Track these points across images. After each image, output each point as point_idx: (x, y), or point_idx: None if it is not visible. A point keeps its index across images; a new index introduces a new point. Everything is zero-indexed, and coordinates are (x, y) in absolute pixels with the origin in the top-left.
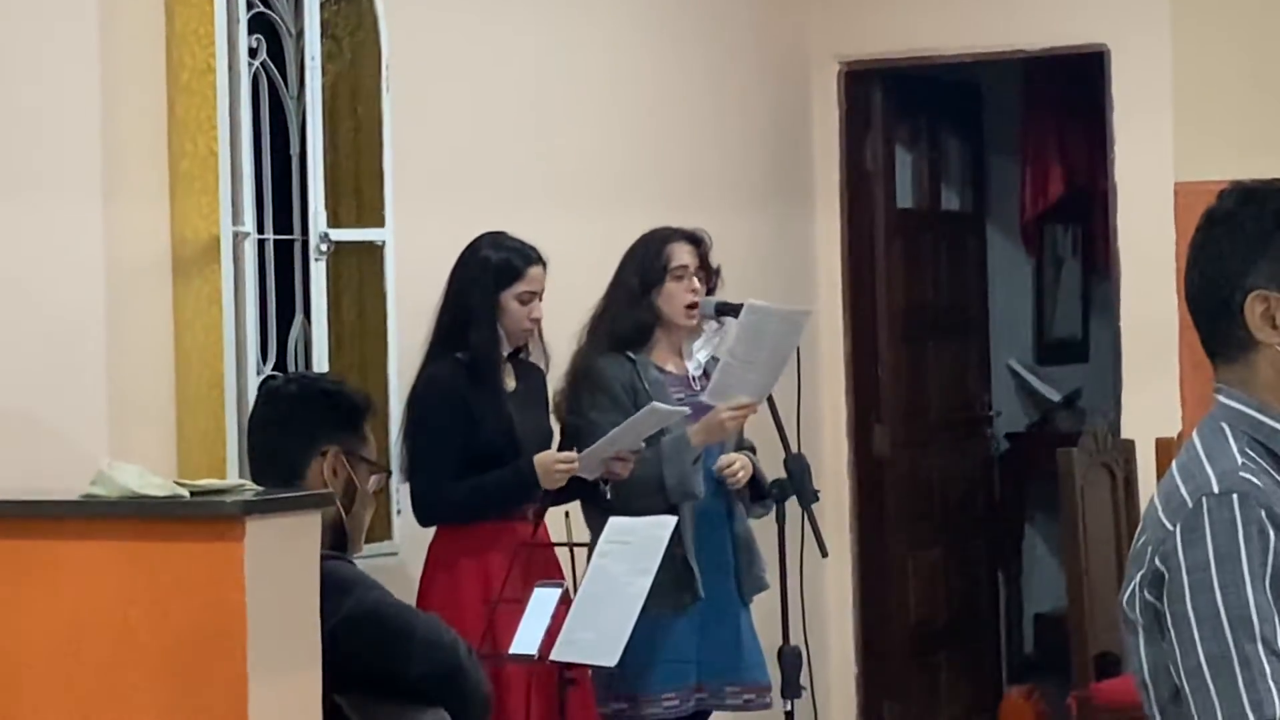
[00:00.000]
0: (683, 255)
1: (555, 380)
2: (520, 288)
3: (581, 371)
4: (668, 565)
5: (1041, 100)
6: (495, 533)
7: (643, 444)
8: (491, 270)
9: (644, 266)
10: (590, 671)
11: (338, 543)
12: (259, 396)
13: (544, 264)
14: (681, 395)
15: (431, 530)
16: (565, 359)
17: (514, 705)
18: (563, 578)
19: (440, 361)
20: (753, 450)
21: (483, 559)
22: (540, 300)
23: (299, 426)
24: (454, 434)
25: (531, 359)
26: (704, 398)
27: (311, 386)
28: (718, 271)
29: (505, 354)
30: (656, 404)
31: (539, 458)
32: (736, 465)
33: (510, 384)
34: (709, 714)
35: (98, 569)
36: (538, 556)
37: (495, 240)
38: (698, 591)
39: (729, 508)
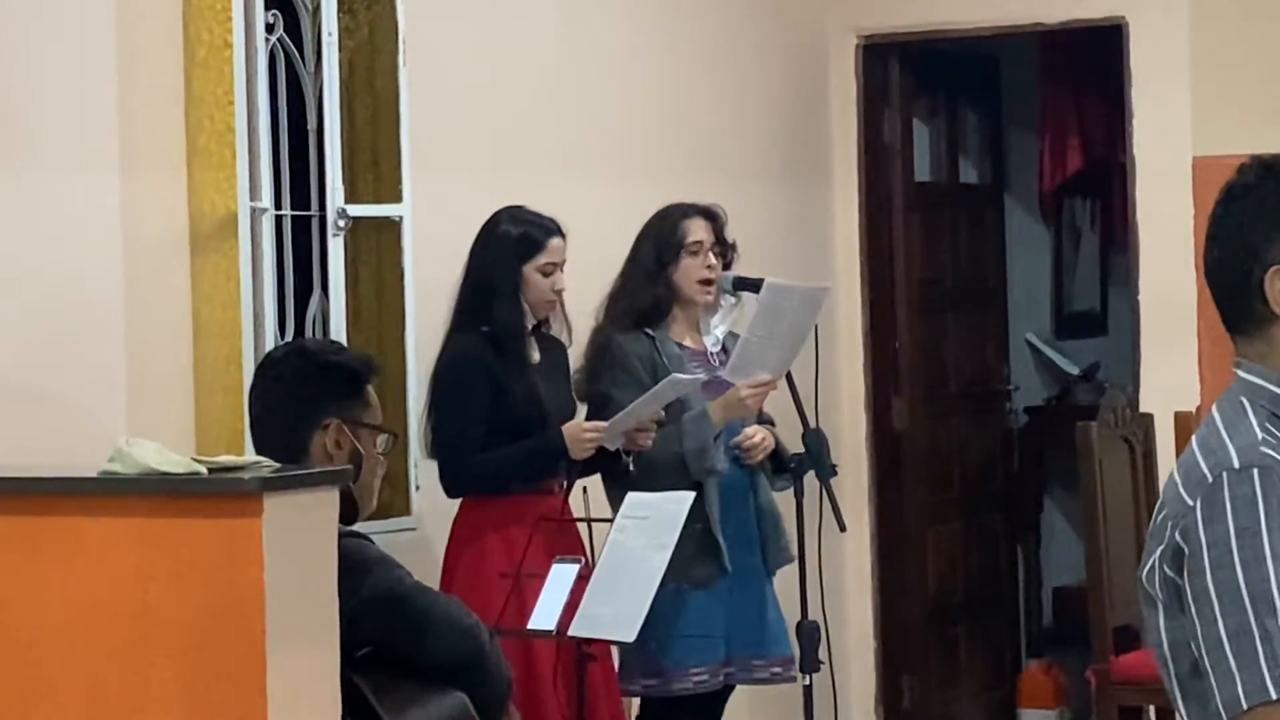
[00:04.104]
0: (698, 231)
1: (577, 353)
2: (542, 259)
3: (600, 349)
4: (694, 540)
5: (1060, 73)
6: (521, 506)
7: (663, 412)
8: (513, 243)
9: (660, 242)
10: (617, 648)
11: (346, 509)
12: (257, 370)
13: (564, 236)
14: (700, 370)
15: (453, 504)
16: (586, 332)
17: (544, 675)
18: (584, 553)
19: (464, 334)
20: (772, 424)
21: (508, 533)
22: (562, 272)
23: (297, 403)
24: (480, 405)
25: (553, 332)
26: (723, 375)
27: (307, 361)
28: (733, 246)
29: (529, 327)
30: (676, 375)
31: (568, 427)
32: (758, 437)
33: (534, 356)
34: (733, 688)
35: (116, 546)
36: (563, 531)
37: (514, 214)
38: (725, 565)
39: (752, 480)
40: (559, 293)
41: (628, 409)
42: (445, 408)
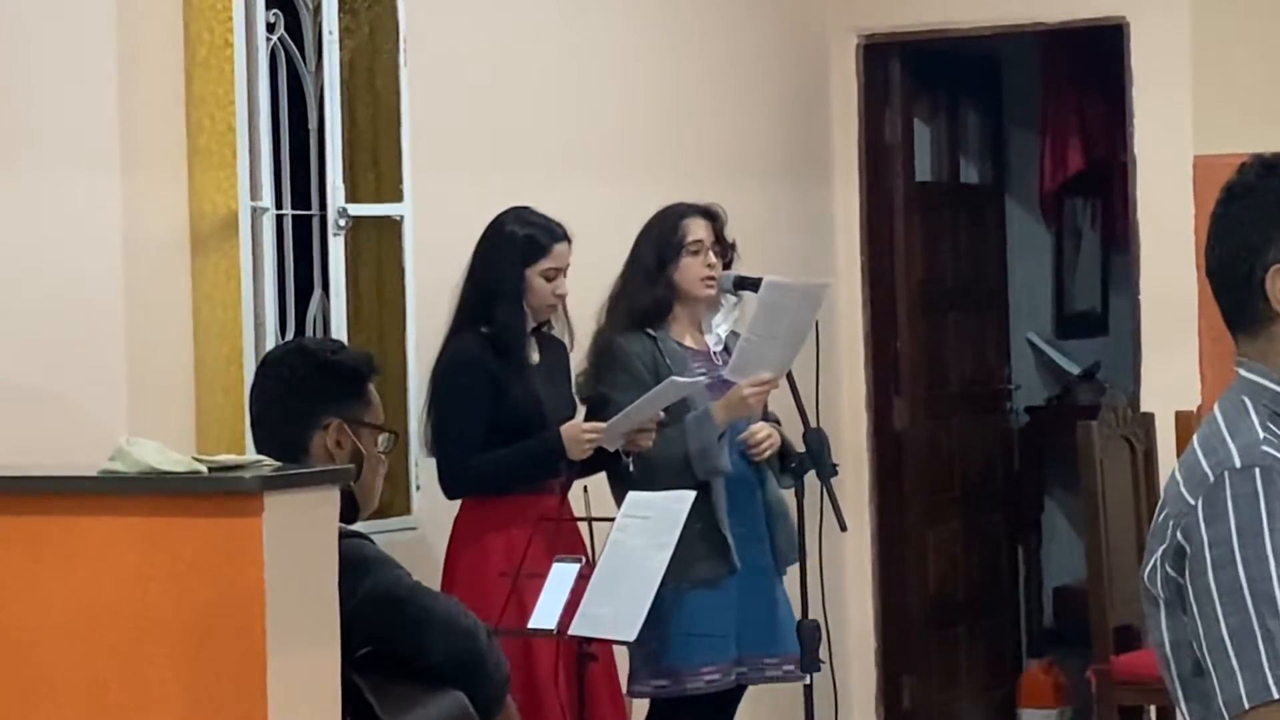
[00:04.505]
0: (698, 230)
1: (579, 355)
2: (545, 264)
3: (602, 350)
4: (703, 539)
5: (1061, 73)
6: (520, 507)
7: (663, 413)
8: (517, 246)
9: (660, 242)
10: (629, 649)
11: (347, 509)
12: (258, 369)
13: (569, 240)
14: (703, 370)
15: (453, 505)
16: (587, 332)
17: (544, 675)
18: (585, 552)
19: (464, 335)
20: (777, 422)
21: (508, 533)
22: (565, 276)
23: (298, 402)
24: (480, 406)
25: (555, 333)
26: (725, 374)
27: (308, 360)
28: (733, 245)
29: (530, 329)
30: (675, 378)
31: (566, 428)
32: (762, 434)
33: (534, 358)
34: (744, 690)
35: (116, 545)
36: (564, 531)
37: (520, 216)
38: (734, 564)
39: (760, 476)
40: (561, 297)
41: (626, 410)
42: (444, 408)
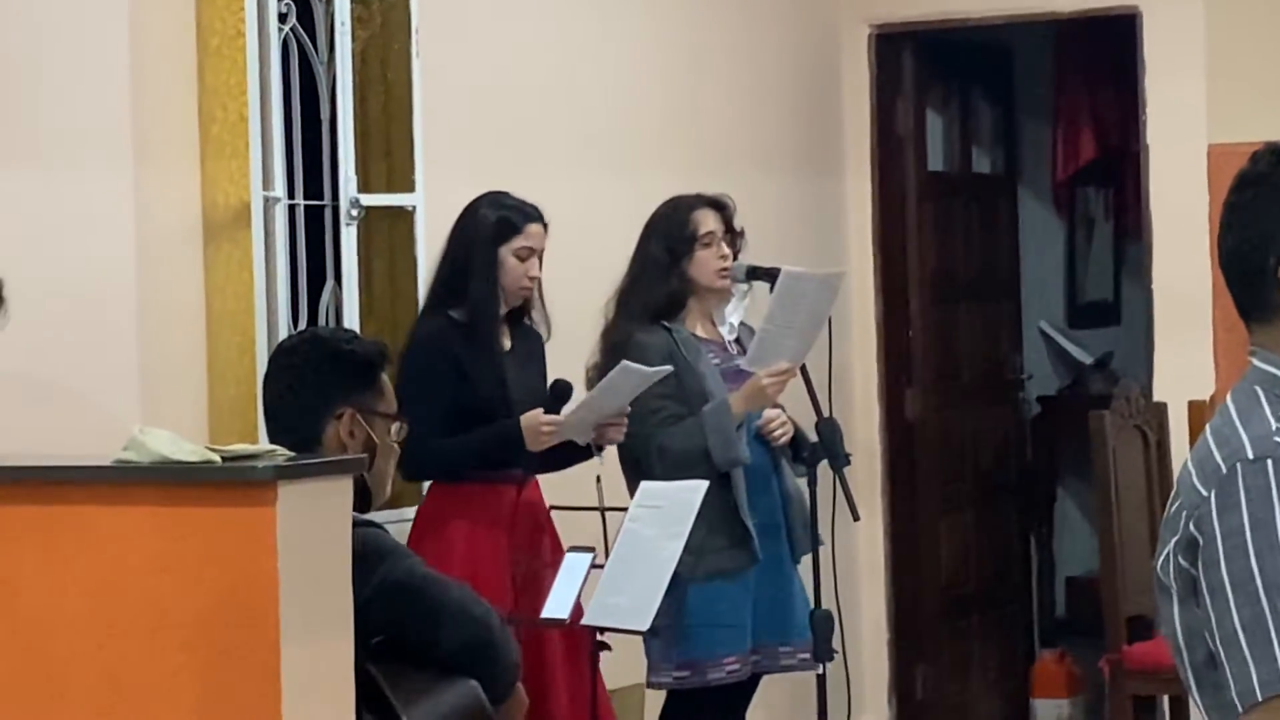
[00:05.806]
0: (709, 221)
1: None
2: (519, 243)
3: (618, 345)
4: (724, 529)
5: (1073, 62)
6: (483, 495)
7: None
8: (491, 225)
9: (671, 236)
10: (645, 640)
11: (360, 498)
12: (271, 359)
13: (544, 223)
14: (719, 360)
15: None
16: (595, 320)
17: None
18: (552, 539)
19: (433, 319)
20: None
21: (468, 522)
22: (539, 260)
23: (311, 392)
24: (443, 390)
25: (534, 323)
26: (743, 365)
27: (321, 350)
28: (741, 234)
29: (503, 312)
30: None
31: (525, 418)
32: (777, 422)
33: (505, 344)
34: (759, 680)
35: (129, 535)
36: (523, 519)
37: (495, 199)
38: (755, 554)
39: (775, 465)
40: (534, 279)
41: (585, 400)
42: (407, 392)
